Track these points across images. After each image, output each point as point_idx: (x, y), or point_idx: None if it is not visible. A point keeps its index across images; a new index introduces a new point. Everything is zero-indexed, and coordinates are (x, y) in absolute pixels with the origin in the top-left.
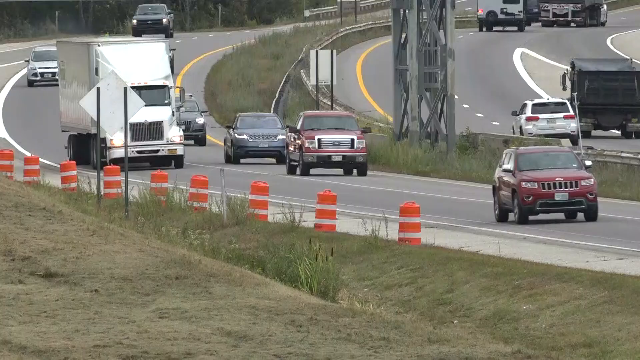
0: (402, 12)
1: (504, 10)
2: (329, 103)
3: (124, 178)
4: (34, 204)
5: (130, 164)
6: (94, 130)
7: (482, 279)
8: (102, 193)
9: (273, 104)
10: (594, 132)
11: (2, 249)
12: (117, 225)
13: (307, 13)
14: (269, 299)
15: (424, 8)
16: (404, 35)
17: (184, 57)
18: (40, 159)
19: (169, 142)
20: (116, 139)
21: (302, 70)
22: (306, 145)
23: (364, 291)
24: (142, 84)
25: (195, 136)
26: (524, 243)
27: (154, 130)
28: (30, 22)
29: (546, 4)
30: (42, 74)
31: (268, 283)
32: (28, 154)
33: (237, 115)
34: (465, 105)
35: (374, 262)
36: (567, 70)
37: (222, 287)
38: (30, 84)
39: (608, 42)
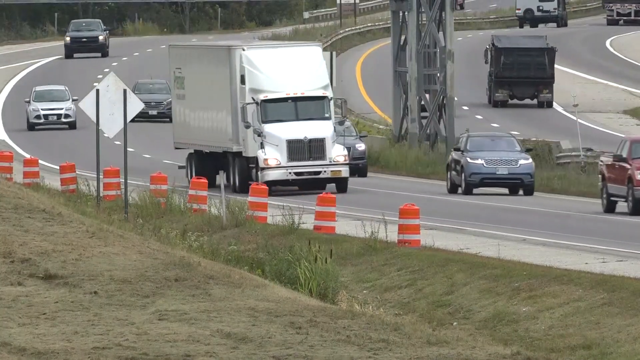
0: (401, 14)
1: (540, 8)
2: None
3: (123, 179)
4: (33, 205)
5: (282, 187)
6: (236, 148)
7: (481, 281)
8: (101, 195)
9: None
10: (510, 102)
11: (2, 250)
12: (117, 227)
13: (306, 15)
14: (268, 301)
15: (423, 10)
16: (403, 37)
17: None
18: (40, 161)
19: (333, 163)
20: (271, 158)
21: None
22: (638, 177)
23: (364, 293)
24: (299, 95)
25: (355, 165)
26: (524, 245)
27: (314, 148)
28: (30, 24)
29: (610, 4)
30: (45, 116)
31: (267, 285)
32: (27, 156)
33: (465, 134)
34: (465, 107)
35: (374, 264)
36: (488, 45)
37: (221, 289)
38: (32, 127)
39: (607, 43)
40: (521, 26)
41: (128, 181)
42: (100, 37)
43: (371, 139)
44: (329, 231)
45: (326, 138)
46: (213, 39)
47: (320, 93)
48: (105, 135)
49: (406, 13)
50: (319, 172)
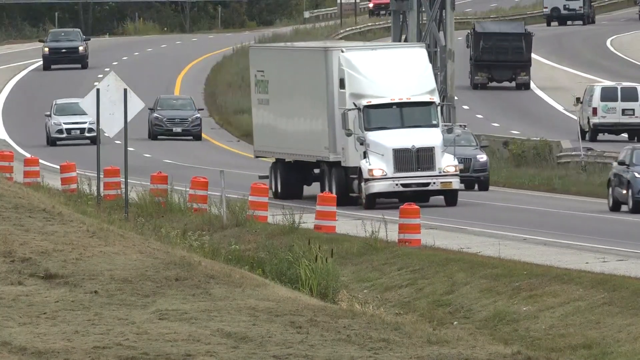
0: (402, 14)
1: (566, 6)
2: None
3: (123, 179)
4: (33, 205)
5: (386, 200)
6: (333, 157)
7: (482, 281)
8: (101, 194)
9: None
10: (489, 85)
11: (2, 250)
12: (117, 227)
13: (307, 14)
14: (269, 301)
15: (423, 9)
16: (403, 37)
17: (183, 59)
18: (40, 160)
19: (443, 174)
20: (376, 169)
21: None
22: None
23: (364, 292)
24: (405, 100)
25: (476, 178)
26: (524, 244)
27: (423, 158)
28: (30, 23)
29: None
30: (68, 131)
31: (268, 284)
32: (28, 155)
33: (629, 147)
34: (465, 107)
35: (374, 264)
36: (470, 31)
37: (221, 288)
38: (53, 142)
39: (608, 43)
40: (549, 24)
41: (128, 180)
42: (80, 48)
43: None
44: (329, 230)
45: (435, 147)
46: (214, 39)
47: (427, 98)
48: (106, 134)
49: (407, 12)
50: (427, 184)
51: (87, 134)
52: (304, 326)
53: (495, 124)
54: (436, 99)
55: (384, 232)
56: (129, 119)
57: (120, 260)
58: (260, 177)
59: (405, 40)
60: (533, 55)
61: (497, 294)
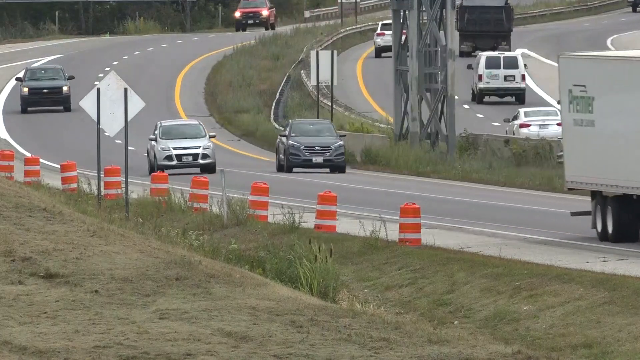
0: (402, 13)
1: None
2: (330, 104)
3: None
4: (34, 204)
5: None
6: None
7: (482, 280)
8: (102, 194)
9: (273, 104)
10: (473, 53)
11: (3, 249)
12: (118, 226)
13: (307, 14)
14: (269, 300)
15: (424, 9)
16: (404, 36)
17: (184, 58)
18: (41, 160)
19: None
20: None
21: (302, 71)
22: None
23: (364, 292)
24: None
25: None
26: (524, 244)
27: None
28: (31, 22)
29: None
30: (178, 157)
31: (268, 284)
32: (28, 155)
33: None
34: (466, 106)
35: (374, 263)
36: (457, 6)
37: (222, 287)
38: (160, 170)
39: (608, 42)
40: (634, 10)
41: (129, 180)
42: (64, 88)
43: (372, 138)
44: (329, 230)
45: None
46: (214, 38)
47: None
48: (106, 134)
49: (407, 12)
50: None
51: (200, 160)
52: (305, 325)
53: (496, 123)
54: None
55: (384, 232)
56: (129, 119)
57: (120, 260)
58: (574, 214)
59: (406, 39)
60: (534, 55)
61: (497, 294)
